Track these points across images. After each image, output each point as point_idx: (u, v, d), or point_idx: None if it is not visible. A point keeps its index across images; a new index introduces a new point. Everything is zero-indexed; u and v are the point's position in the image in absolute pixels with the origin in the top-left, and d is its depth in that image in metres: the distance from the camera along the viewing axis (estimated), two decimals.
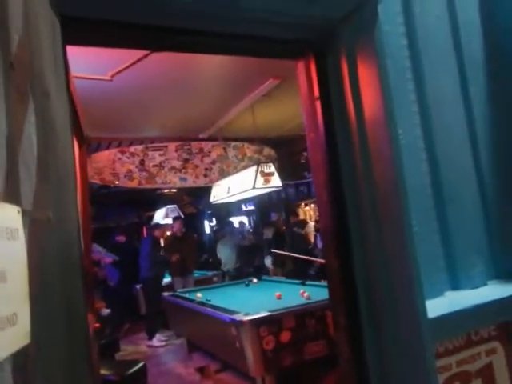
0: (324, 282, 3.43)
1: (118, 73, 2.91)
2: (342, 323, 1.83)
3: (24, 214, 0.80)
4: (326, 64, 1.91)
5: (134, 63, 2.73)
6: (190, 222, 9.82)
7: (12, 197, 0.78)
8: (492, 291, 1.82)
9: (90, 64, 2.65)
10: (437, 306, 1.62)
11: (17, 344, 0.70)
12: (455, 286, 1.83)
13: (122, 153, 5.36)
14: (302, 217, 8.20)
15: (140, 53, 2.60)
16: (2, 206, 0.72)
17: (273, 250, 7.04)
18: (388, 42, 1.80)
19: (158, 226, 7.12)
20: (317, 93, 1.90)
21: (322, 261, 2.61)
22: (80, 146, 2.34)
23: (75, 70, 1.87)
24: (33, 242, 0.82)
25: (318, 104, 1.90)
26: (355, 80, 1.77)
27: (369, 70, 1.72)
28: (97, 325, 2.50)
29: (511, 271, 1.94)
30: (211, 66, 3.44)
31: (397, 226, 1.61)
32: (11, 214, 0.76)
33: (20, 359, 0.70)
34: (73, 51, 1.49)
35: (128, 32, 1.56)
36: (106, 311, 5.17)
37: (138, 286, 6.89)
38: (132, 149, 5.47)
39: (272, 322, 3.27)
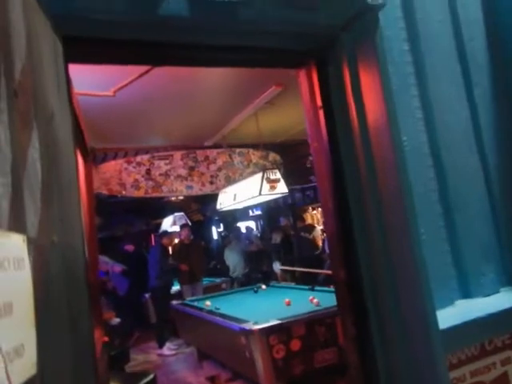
0: (333, 288, 3.41)
1: (120, 88, 2.93)
2: (351, 333, 1.82)
3: (29, 241, 0.80)
4: (327, 72, 1.90)
5: (136, 79, 2.75)
6: (197, 228, 9.83)
7: (17, 224, 0.78)
8: (505, 299, 1.78)
9: (92, 81, 2.67)
10: (448, 316, 1.59)
11: (24, 375, 0.70)
12: (466, 295, 1.79)
13: (129, 163, 5.38)
14: (309, 221, 8.18)
15: (141, 68, 2.61)
16: (8, 236, 0.72)
17: (281, 267, 7.00)
18: (390, 48, 1.79)
19: (166, 233, 7.13)
20: (319, 102, 1.90)
21: (329, 272, 2.59)
22: (85, 161, 2.35)
23: (78, 87, 1.89)
24: (37, 268, 0.82)
25: (321, 113, 1.89)
26: (357, 87, 1.76)
27: (371, 77, 1.71)
28: (105, 339, 2.49)
29: None
30: (213, 75, 3.44)
31: (403, 233, 1.59)
32: (17, 243, 0.76)
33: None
34: (74, 69, 1.49)
35: (128, 49, 1.57)
36: (115, 321, 5.17)
37: (146, 295, 6.89)
38: (138, 158, 5.49)
39: (282, 331, 3.25)
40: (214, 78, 3.54)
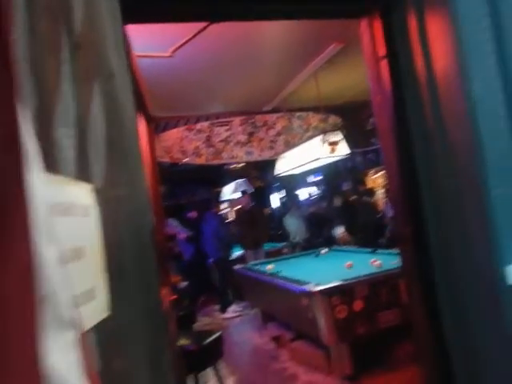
0: (395, 250, 3.31)
1: (178, 48, 2.93)
2: (416, 290, 1.78)
3: (96, 192, 0.84)
4: (391, 20, 1.79)
5: (194, 37, 2.73)
6: (258, 195, 9.93)
7: (83, 175, 0.81)
8: None
9: (149, 41, 2.68)
10: None
11: (97, 317, 0.74)
12: None
13: (189, 130, 5.50)
14: (370, 185, 7.95)
15: (199, 26, 2.59)
16: (76, 184, 0.76)
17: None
18: None
19: (221, 201, 7.34)
20: (382, 51, 1.80)
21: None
22: (147, 124, 2.42)
23: (136, 48, 1.91)
24: (105, 220, 0.85)
25: (384, 63, 1.80)
26: (424, 34, 1.64)
27: (439, 22, 1.59)
28: (174, 297, 2.62)
29: None
30: (271, 34, 3.36)
31: (474, 187, 1.51)
32: (84, 191, 0.79)
33: (101, 332, 0.74)
34: (132, 30, 1.51)
35: (185, 5, 1.56)
36: (183, 284, 5.41)
37: (211, 260, 7.16)
38: (198, 126, 5.59)
39: (344, 292, 3.24)
40: (272, 37, 3.45)
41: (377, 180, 8.18)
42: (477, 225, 1.48)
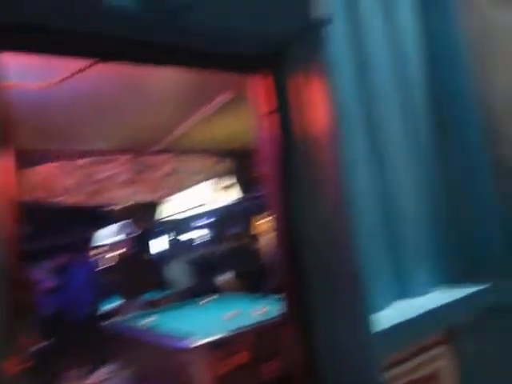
0: (280, 296, 3.33)
1: (61, 80, 2.71)
2: (296, 339, 1.83)
3: None
4: (279, 78, 1.93)
5: (79, 71, 2.56)
6: (143, 238, 9.46)
7: None
8: (438, 297, 1.93)
9: (29, 71, 2.44)
10: (385, 318, 1.68)
11: None
12: (402, 295, 1.91)
13: (68, 166, 5.06)
14: (258, 230, 8.15)
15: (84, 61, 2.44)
16: None
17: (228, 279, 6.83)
18: (338, 59, 1.87)
19: (100, 245, 6.79)
20: (269, 106, 1.91)
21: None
22: (15, 159, 2.15)
23: (12, 77, 1.72)
24: None
25: (270, 118, 1.92)
26: (308, 95, 1.81)
27: (320, 85, 1.76)
28: (28, 363, 2.23)
29: (455, 277, 2.08)
30: (162, 77, 3.30)
31: (343, 240, 1.65)
32: None
33: None
34: (9, 58, 1.35)
35: (69, 40, 1.45)
36: (42, 344, 4.74)
37: (79, 314, 6.40)
38: (80, 162, 5.17)
39: (226, 344, 3.15)
40: (161, 80, 3.40)
41: (264, 225, 8.43)
42: (346, 276, 1.62)
